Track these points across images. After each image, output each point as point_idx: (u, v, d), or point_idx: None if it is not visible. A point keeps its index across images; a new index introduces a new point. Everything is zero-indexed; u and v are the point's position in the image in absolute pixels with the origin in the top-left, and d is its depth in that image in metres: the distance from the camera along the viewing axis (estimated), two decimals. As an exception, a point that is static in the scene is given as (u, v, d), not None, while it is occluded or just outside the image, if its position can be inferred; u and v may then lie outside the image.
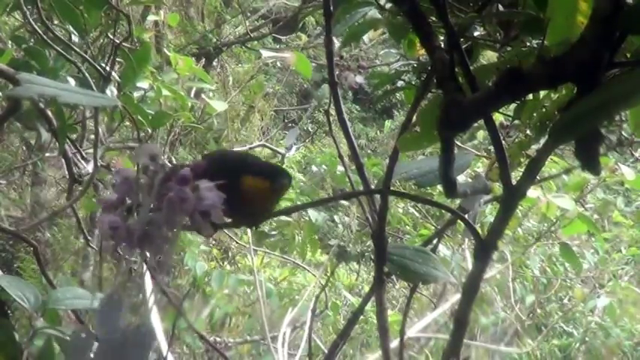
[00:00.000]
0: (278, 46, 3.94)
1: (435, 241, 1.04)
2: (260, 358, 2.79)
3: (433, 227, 2.71)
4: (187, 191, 0.41)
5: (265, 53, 1.98)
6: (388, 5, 0.75)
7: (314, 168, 3.25)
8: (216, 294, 2.75)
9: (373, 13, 0.79)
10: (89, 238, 1.48)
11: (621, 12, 0.41)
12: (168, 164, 0.42)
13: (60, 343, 0.78)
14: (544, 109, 0.61)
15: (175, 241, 0.42)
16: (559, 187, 2.15)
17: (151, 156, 0.42)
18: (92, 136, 1.40)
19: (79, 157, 1.35)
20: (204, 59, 3.22)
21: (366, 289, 3.16)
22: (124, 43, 1.29)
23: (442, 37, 0.60)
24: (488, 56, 0.94)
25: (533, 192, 1.77)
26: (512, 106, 0.66)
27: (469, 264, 2.42)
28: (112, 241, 0.40)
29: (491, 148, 0.59)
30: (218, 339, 2.57)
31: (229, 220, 0.70)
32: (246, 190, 0.66)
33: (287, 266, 3.00)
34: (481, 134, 2.31)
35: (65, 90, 0.54)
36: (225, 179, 0.55)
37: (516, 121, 0.68)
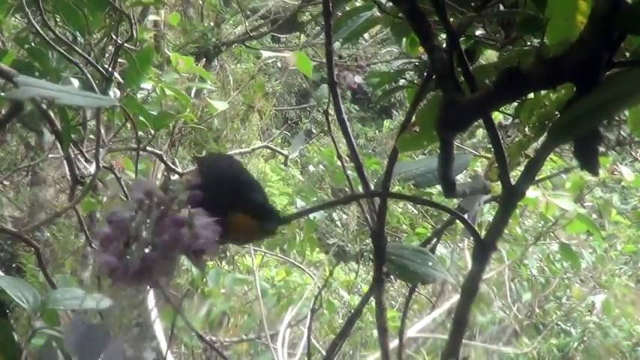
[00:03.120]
0: (277, 45, 3.94)
1: (433, 241, 1.05)
2: (258, 356, 2.79)
3: (431, 226, 2.71)
4: (182, 233, 0.42)
5: (266, 53, 1.99)
6: (389, 5, 0.75)
7: (311, 168, 3.25)
8: (213, 293, 2.75)
9: (374, 13, 0.79)
10: (90, 238, 1.48)
11: (620, 12, 0.41)
12: (164, 198, 0.42)
13: (59, 343, 0.78)
14: (543, 109, 0.61)
15: (172, 273, 0.42)
16: (556, 185, 2.15)
17: (146, 192, 0.42)
18: (92, 136, 1.40)
19: (80, 158, 1.35)
20: (204, 59, 3.22)
21: (365, 288, 3.17)
22: (126, 44, 1.29)
23: (443, 37, 0.60)
24: (488, 55, 0.94)
25: (532, 192, 1.77)
26: (513, 104, 0.66)
27: (468, 263, 2.42)
28: (109, 278, 0.41)
29: (491, 147, 0.59)
30: (214, 338, 2.57)
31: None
32: (234, 228, 0.62)
33: (285, 265, 3.00)
34: (480, 133, 2.31)
35: (63, 92, 0.54)
36: (217, 209, 0.54)
37: (515, 120, 0.68)
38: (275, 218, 0.65)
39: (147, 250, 0.41)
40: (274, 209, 0.66)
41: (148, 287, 0.43)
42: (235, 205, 0.63)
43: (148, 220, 0.41)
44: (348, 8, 0.84)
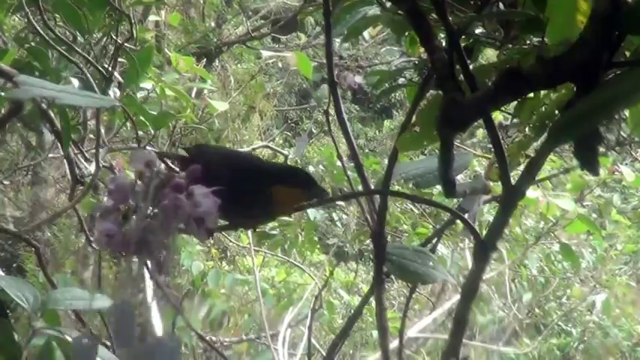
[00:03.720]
0: (277, 46, 3.94)
1: (434, 241, 1.04)
2: (258, 357, 2.79)
3: (431, 226, 2.71)
4: (182, 198, 0.41)
5: (266, 53, 1.99)
6: (388, 4, 0.75)
7: (311, 168, 3.25)
8: (213, 293, 2.75)
9: (373, 9, 0.79)
10: (90, 238, 1.48)
11: (620, 12, 0.41)
12: (164, 170, 0.42)
13: (59, 343, 0.78)
14: (544, 109, 0.61)
15: (172, 246, 0.42)
16: (555, 185, 2.15)
17: (147, 162, 0.42)
18: (92, 136, 1.40)
19: (80, 158, 1.35)
20: (205, 59, 3.22)
21: (365, 288, 3.17)
22: (126, 44, 1.29)
23: (442, 35, 0.60)
24: (488, 56, 0.94)
25: (533, 192, 1.77)
26: (513, 104, 0.67)
27: (468, 263, 2.42)
28: (107, 247, 0.41)
29: (491, 147, 0.59)
30: (214, 338, 2.57)
31: (226, 223, 0.70)
32: (279, 197, 0.66)
33: (285, 265, 3.00)
34: (481, 132, 2.32)
35: (63, 92, 0.54)
36: (249, 186, 0.56)
37: (515, 120, 0.68)
38: (315, 183, 0.68)
39: (148, 218, 0.41)
40: (308, 173, 0.69)
41: (147, 260, 0.42)
42: (273, 182, 0.66)
43: (149, 189, 0.41)
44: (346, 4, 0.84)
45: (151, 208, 0.41)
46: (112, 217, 0.41)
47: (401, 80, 0.96)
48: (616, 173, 2.05)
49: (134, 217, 0.41)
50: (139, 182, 0.42)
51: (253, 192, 0.65)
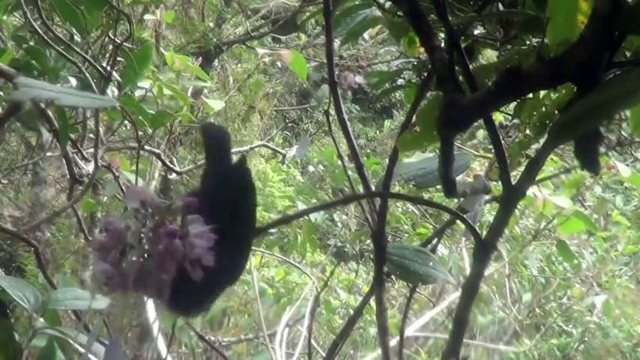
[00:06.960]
0: (277, 46, 3.95)
1: (434, 241, 1.04)
2: (257, 356, 2.79)
3: (432, 226, 2.71)
4: (176, 243, 0.42)
5: (261, 51, 1.99)
6: (388, 4, 0.75)
7: (311, 168, 3.26)
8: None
9: (373, 11, 0.79)
10: (89, 238, 1.48)
11: (620, 12, 0.41)
12: (159, 207, 0.42)
13: (60, 343, 0.78)
14: (544, 109, 0.61)
15: (169, 283, 0.43)
16: (556, 185, 2.15)
17: (142, 201, 0.42)
18: (91, 135, 1.40)
19: (78, 158, 1.35)
20: (201, 58, 3.22)
21: (365, 288, 3.17)
22: (124, 43, 1.29)
23: (442, 36, 0.60)
24: (488, 56, 0.94)
25: (529, 189, 1.76)
26: (513, 105, 0.66)
27: (467, 263, 2.42)
28: (106, 287, 0.41)
29: (491, 147, 0.59)
30: (213, 338, 2.57)
31: None
32: None
33: (284, 265, 3.00)
34: (481, 133, 2.32)
35: (63, 92, 0.54)
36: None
37: (516, 121, 0.68)
38: None
39: (144, 258, 0.41)
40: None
41: (146, 297, 0.43)
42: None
43: (144, 230, 0.42)
44: (347, 6, 0.84)
45: (146, 248, 0.42)
46: (109, 257, 0.42)
47: (400, 81, 0.96)
48: (612, 170, 2.05)
49: (130, 256, 0.42)
50: (134, 221, 0.42)
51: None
